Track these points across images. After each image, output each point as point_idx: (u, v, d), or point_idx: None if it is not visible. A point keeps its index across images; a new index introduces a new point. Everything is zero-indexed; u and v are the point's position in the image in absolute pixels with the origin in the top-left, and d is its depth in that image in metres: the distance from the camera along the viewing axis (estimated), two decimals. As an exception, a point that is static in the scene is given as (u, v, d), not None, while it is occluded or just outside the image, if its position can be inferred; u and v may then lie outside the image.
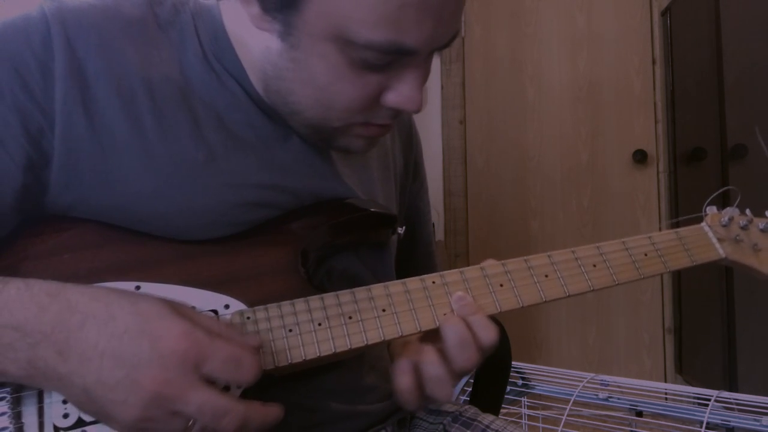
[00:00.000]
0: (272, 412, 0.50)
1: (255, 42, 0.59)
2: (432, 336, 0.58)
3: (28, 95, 0.55)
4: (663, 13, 2.53)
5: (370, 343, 0.56)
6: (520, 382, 1.41)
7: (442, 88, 2.66)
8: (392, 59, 0.54)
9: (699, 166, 2.22)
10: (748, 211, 0.72)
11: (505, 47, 2.67)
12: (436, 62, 2.76)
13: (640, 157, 2.54)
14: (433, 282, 0.59)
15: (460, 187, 2.65)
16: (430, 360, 0.57)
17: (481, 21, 2.69)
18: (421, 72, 0.57)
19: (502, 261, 0.62)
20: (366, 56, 0.54)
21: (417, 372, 0.57)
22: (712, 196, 0.73)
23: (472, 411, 0.78)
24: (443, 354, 0.57)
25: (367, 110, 0.59)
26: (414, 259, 0.84)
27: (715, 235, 0.70)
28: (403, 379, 0.57)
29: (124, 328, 0.47)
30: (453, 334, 0.56)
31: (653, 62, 2.56)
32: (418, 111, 0.59)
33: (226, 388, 0.51)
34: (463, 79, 2.67)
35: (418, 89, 0.57)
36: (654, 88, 2.56)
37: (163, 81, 0.60)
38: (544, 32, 2.65)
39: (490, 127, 2.68)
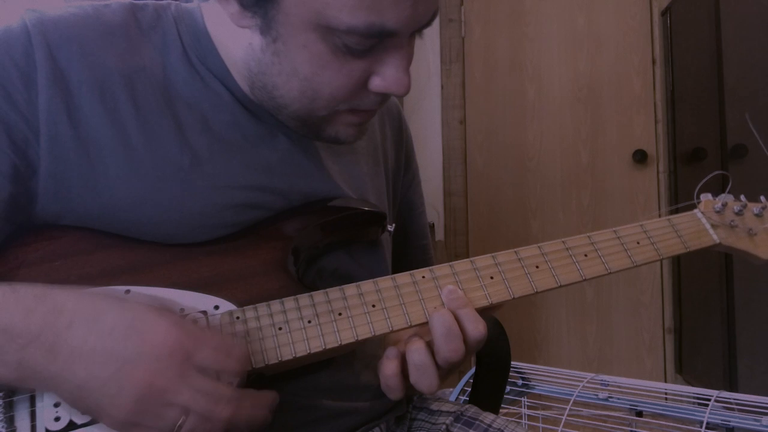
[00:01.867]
0: (266, 396, 0.51)
1: (237, 40, 0.59)
2: (423, 330, 0.59)
3: (12, 106, 0.55)
4: (663, 13, 2.53)
5: (360, 338, 0.56)
6: (520, 382, 1.41)
7: (442, 88, 2.66)
8: (374, 43, 0.55)
9: (699, 167, 2.21)
10: (742, 197, 0.71)
11: (505, 47, 2.67)
12: (436, 62, 2.74)
13: (640, 157, 2.54)
14: (423, 276, 0.60)
15: (460, 187, 2.65)
16: (415, 347, 0.57)
17: (481, 21, 2.68)
18: (404, 53, 0.57)
19: (492, 254, 0.62)
20: (347, 42, 0.54)
21: (403, 359, 0.58)
22: (703, 181, 0.72)
23: (473, 410, 0.78)
24: (430, 344, 0.57)
25: (352, 97, 0.59)
26: (408, 252, 0.84)
27: (709, 221, 0.69)
28: (388, 365, 0.58)
29: (111, 326, 0.47)
30: (440, 324, 0.56)
31: (653, 62, 2.56)
32: (405, 93, 0.59)
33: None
34: (463, 79, 2.67)
35: (403, 71, 0.58)
36: (654, 88, 2.56)
37: (146, 86, 0.60)
38: (544, 32, 2.65)
39: (490, 127, 2.67)
